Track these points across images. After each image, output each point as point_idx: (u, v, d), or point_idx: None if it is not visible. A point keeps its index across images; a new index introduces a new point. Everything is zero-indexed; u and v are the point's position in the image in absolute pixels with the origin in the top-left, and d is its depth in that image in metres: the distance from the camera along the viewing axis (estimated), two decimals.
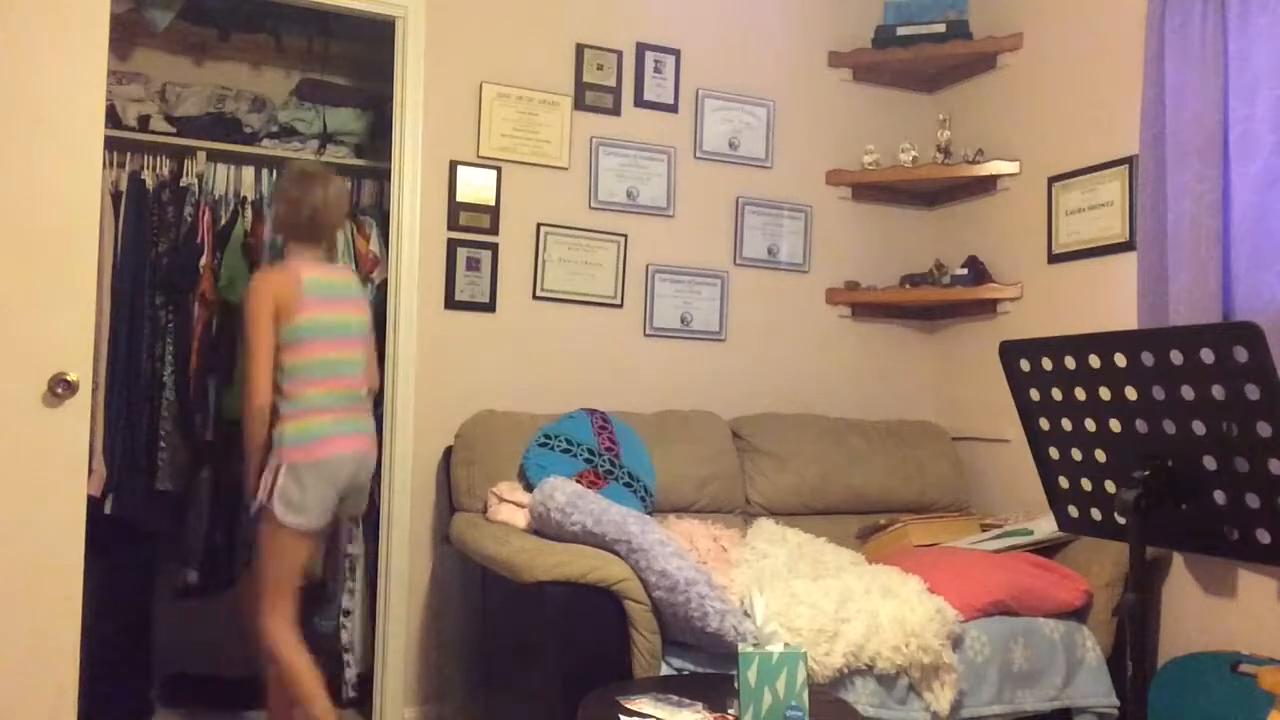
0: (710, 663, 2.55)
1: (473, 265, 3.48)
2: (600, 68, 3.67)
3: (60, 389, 2.37)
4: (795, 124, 3.97)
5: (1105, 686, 2.86)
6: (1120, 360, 1.82)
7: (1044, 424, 2.03)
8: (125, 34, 3.70)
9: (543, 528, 2.76)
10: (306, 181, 2.84)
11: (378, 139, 3.80)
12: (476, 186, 3.49)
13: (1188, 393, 1.72)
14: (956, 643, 2.69)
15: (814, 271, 3.98)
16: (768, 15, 3.93)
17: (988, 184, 3.87)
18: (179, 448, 3.54)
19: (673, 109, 3.77)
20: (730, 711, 2.09)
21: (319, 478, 2.72)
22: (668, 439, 3.41)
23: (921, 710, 2.63)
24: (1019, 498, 3.58)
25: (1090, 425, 1.93)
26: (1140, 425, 1.83)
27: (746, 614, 2.53)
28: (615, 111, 3.69)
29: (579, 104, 3.63)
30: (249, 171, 3.79)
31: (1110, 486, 1.95)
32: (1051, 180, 3.58)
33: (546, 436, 3.20)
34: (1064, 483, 2.04)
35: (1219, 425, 1.70)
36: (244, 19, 3.86)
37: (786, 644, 2.09)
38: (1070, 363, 1.91)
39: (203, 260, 3.58)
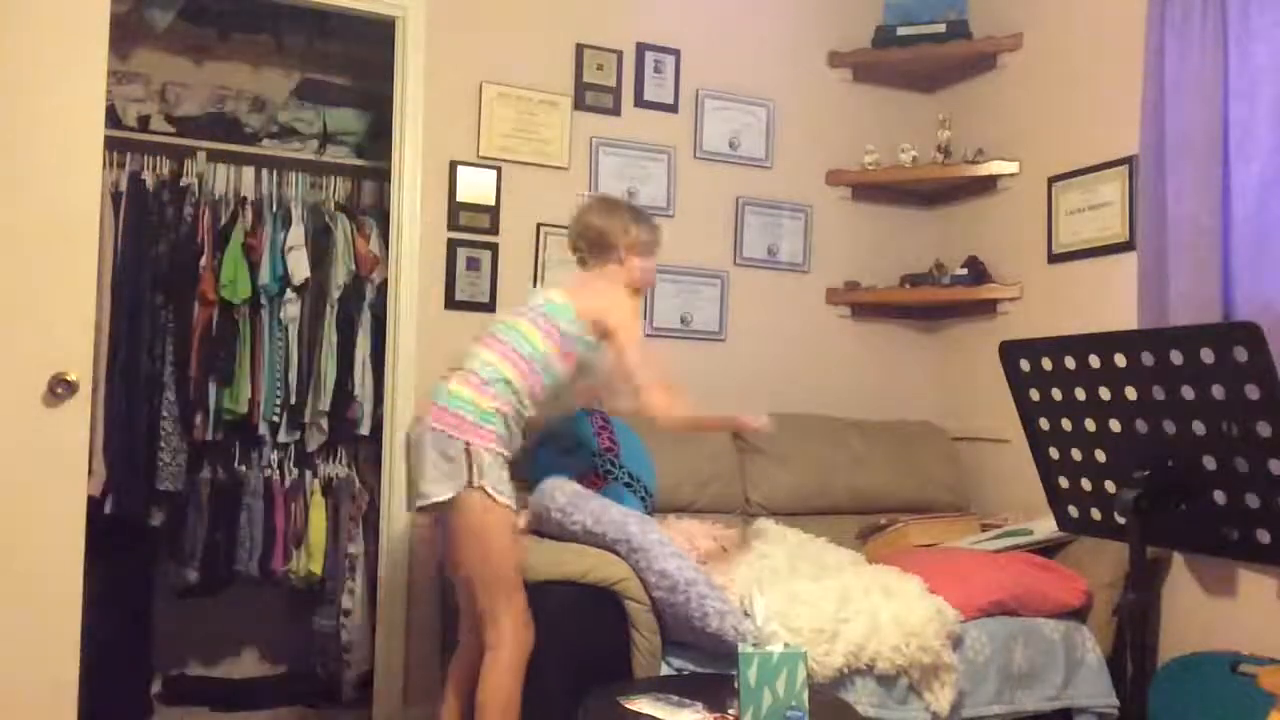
0: (710, 663, 2.55)
1: (473, 265, 3.48)
2: (600, 68, 3.66)
3: (60, 389, 2.36)
4: (795, 124, 3.96)
5: (1105, 686, 2.86)
6: (1120, 360, 1.82)
7: (1044, 424, 2.03)
8: (125, 34, 3.70)
9: (543, 528, 2.75)
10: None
11: (378, 139, 3.80)
12: (476, 186, 3.49)
13: (1188, 393, 1.72)
14: (956, 643, 2.69)
15: (814, 271, 3.98)
16: (768, 15, 3.93)
17: (988, 184, 3.86)
18: (179, 448, 3.54)
19: (673, 109, 3.77)
20: (730, 711, 2.09)
21: None
22: (668, 439, 3.40)
23: (921, 710, 2.63)
24: (1019, 498, 3.57)
25: (1090, 425, 1.93)
26: (1140, 425, 1.83)
27: (746, 614, 2.52)
28: (615, 111, 3.69)
29: (579, 104, 3.63)
30: (249, 171, 3.79)
31: (1110, 486, 1.95)
32: (1051, 180, 3.58)
33: (546, 436, 3.20)
34: (1064, 483, 2.04)
35: (1219, 425, 1.70)
36: (244, 19, 3.85)
37: (786, 644, 2.09)
38: (1070, 363, 1.91)
39: (203, 260, 3.58)
